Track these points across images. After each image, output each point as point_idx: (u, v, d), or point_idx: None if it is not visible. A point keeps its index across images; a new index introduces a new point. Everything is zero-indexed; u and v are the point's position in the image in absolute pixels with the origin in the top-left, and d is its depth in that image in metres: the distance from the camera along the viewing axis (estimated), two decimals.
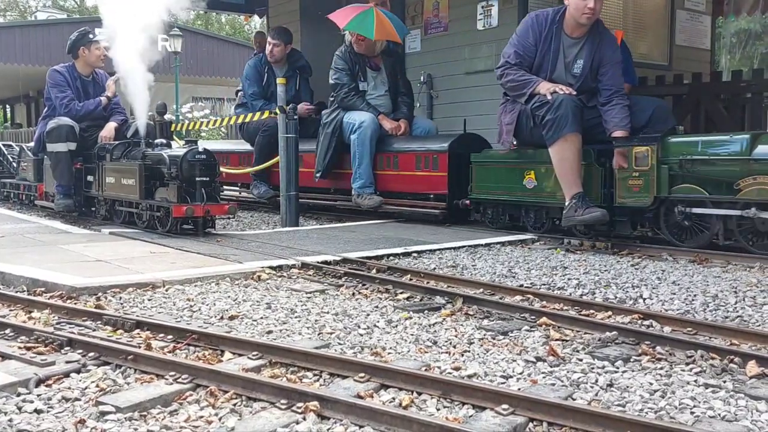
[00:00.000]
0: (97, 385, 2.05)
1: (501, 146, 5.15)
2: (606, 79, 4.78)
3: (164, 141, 5.45)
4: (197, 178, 4.94)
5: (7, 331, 2.60)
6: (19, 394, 1.98)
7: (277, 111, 6.07)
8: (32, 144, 7.53)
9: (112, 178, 5.63)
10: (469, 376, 2.13)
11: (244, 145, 8.01)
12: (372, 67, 6.41)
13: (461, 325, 2.78)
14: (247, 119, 8.57)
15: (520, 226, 5.16)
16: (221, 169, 7.58)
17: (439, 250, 4.43)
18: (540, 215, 5.06)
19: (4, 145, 9.10)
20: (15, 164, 8.30)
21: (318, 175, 6.40)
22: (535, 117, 4.75)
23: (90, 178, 6.07)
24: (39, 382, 2.07)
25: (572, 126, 4.54)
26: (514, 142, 5.10)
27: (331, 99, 6.42)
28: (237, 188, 8.19)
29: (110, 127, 6.10)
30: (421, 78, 7.36)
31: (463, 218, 5.68)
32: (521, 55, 4.86)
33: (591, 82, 4.84)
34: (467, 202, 5.49)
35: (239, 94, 10.10)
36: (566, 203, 4.60)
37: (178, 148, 5.43)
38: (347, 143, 6.15)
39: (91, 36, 6.22)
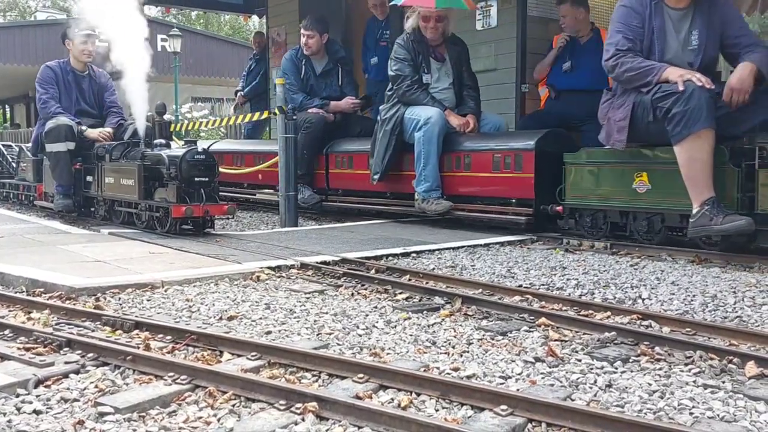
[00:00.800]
0: (96, 386, 2.04)
1: (612, 146, 4.50)
2: (743, 39, 4.24)
3: (163, 141, 5.45)
4: (196, 179, 4.95)
5: (7, 331, 2.59)
6: (18, 395, 1.98)
7: (276, 111, 6.06)
8: (31, 144, 7.54)
9: (111, 179, 5.64)
10: (468, 377, 2.13)
11: (262, 145, 7.77)
12: (436, 57, 5.79)
13: (460, 325, 2.78)
14: (246, 119, 8.58)
15: (626, 235, 4.57)
16: (249, 169, 7.44)
17: (438, 250, 4.43)
18: (653, 223, 4.43)
19: (3, 145, 9.11)
20: (14, 165, 8.30)
21: (376, 177, 5.86)
22: (656, 110, 4.12)
23: (89, 178, 6.07)
24: (38, 383, 2.07)
25: (706, 121, 3.92)
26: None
27: (389, 93, 5.85)
28: (269, 191, 7.52)
29: (98, 132, 6.06)
30: None
31: (552, 226, 5.08)
32: (631, 39, 4.30)
33: (712, 52, 4.34)
34: (558, 208, 4.85)
35: (238, 94, 10.14)
36: (694, 210, 4.00)
37: (177, 148, 5.43)
38: (408, 142, 5.65)
39: (75, 30, 6.10)
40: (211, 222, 5.15)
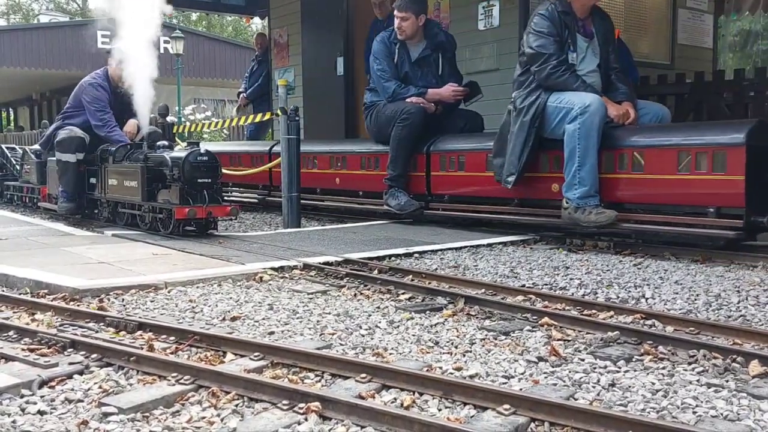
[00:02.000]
0: (100, 387, 2.05)
1: None
2: None
3: (166, 143, 5.47)
4: (199, 180, 4.96)
5: (11, 332, 2.60)
6: (22, 396, 1.99)
7: (279, 112, 6.06)
8: (36, 146, 7.56)
9: (114, 180, 5.66)
10: (471, 377, 2.13)
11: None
12: (584, 32, 4.88)
13: (463, 325, 2.78)
14: (249, 121, 8.60)
15: None
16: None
17: (440, 250, 4.43)
18: None
19: (7, 147, 9.15)
20: (18, 167, 8.34)
21: (511, 179, 4.84)
22: None
23: (93, 180, 6.10)
24: (42, 384, 2.08)
25: None
26: None
27: (520, 78, 4.92)
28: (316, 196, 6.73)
29: (133, 123, 6.13)
30: None
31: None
32: None
33: None
34: None
35: (241, 95, 10.15)
36: None
37: (180, 149, 5.44)
38: (547, 137, 4.76)
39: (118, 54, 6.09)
40: (215, 223, 5.16)
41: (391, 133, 5.64)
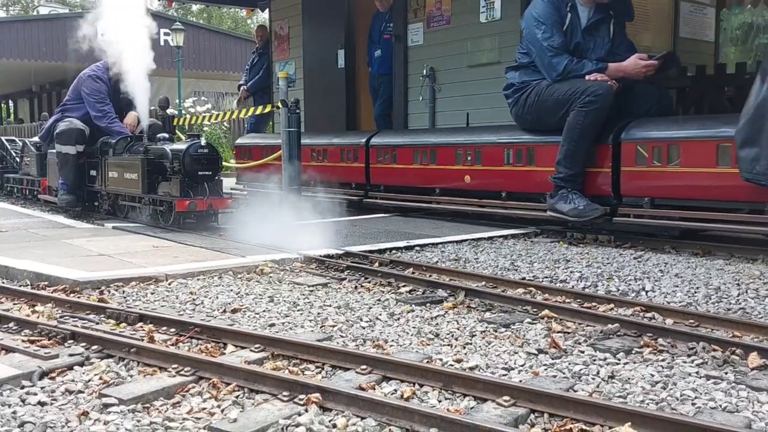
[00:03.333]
0: (101, 378, 2.06)
1: None
2: None
3: (166, 135, 5.47)
4: (200, 173, 4.96)
5: (11, 324, 2.61)
6: (23, 387, 1.99)
7: (279, 105, 6.06)
8: (36, 138, 7.56)
9: (115, 173, 5.66)
10: (471, 368, 2.14)
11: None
12: None
13: (463, 317, 2.78)
14: (249, 113, 8.58)
15: None
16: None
17: (441, 243, 4.43)
18: None
19: (7, 140, 9.14)
20: (18, 159, 8.33)
21: None
22: None
23: (93, 172, 6.10)
24: (43, 375, 2.08)
25: None
26: None
27: None
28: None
29: (133, 115, 6.10)
30: (424, 71, 7.35)
31: None
32: None
33: None
34: None
35: (241, 88, 10.13)
36: None
37: (180, 142, 5.44)
38: None
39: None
40: (215, 215, 5.15)
41: (567, 120, 4.52)
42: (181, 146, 5.10)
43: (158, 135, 5.49)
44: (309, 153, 6.95)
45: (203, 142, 5.09)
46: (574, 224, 4.62)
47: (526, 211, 4.96)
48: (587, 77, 4.59)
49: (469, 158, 5.42)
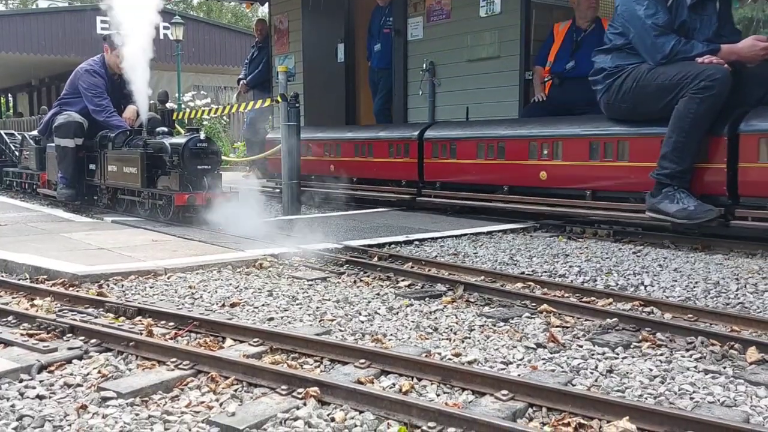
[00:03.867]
0: (99, 371, 2.06)
1: None
2: None
3: (165, 129, 5.46)
4: (199, 167, 4.96)
5: (10, 318, 2.61)
6: (21, 380, 1.99)
7: (279, 99, 6.04)
8: (35, 132, 7.54)
9: (114, 167, 5.64)
10: (470, 362, 2.14)
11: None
12: None
13: (462, 312, 2.78)
14: (249, 107, 8.57)
15: None
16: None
17: (440, 238, 4.43)
18: None
19: (6, 133, 9.12)
20: (17, 153, 8.32)
21: None
22: None
23: (92, 166, 6.08)
24: (41, 369, 2.08)
25: None
26: None
27: None
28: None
29: (132, 109, 6.08)
30: (424, 65, 7.33)
31: None
32: None
33: None
34: None
35: (241, 82, 10.11)
36: None
37: (179, 136, 5.43)
38: None
39: (116, 42, 6.02)
40: (213, 209, 5.12)
41: (676, 108, 4.04)
42: (180, 140, 5.10)
43: (157, 129, 5.48)
44: (351, 147, 6.59)
45: (202, 135, 5.09)
46: (682, 227, 4.10)
47: (620, 213, 4.46)
48: (698, 60, 4.10)
49: (545, 152, 4.91)
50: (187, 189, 4.93)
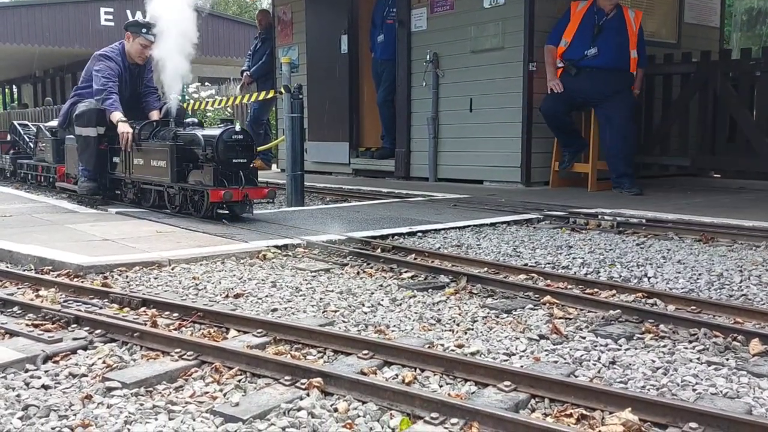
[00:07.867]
0: (104, 362, 2.07)
1: None
2: None
3: (195, 120, 5.13)
4: (234, 160, 4.61)
5: (15, 308, 2.63)
6: (26, 371, 2.01)
7: (282, 90, 6.04)
8: (52, 123, 7.34)
9: (140, 160, 5.29)
10: (472, 354, 2.14)
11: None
12: None
13: (465, 303, 2.79)
14: (253, 99, 8.56)
15: None
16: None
17: (444, 229, 4.43)
18: None
19: (20, 124, 8.67)
20: (32, 144, 7.87)
21: None
22: None
23: (116, 159, 5.69)
24: (46, 359, 2.10)
25: None
26: None
27: None
28: None
29: (121, 126, 5.49)
30: (427, 57, 7.32)
31: None
32: None
33: None
34: None
35: (244, 74, 10.10)
36: None
37: (212, 128, 5.15)
38: None
39: (143, 30, 5.75)
40: (250, 206, 4.79)
41: None
42: (214, 132, 4.74)
43: (187, 120, 5.16)
44: None
45: (237, 127, 4.74)
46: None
47: None
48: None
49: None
50: (222, 184, 4.60)
